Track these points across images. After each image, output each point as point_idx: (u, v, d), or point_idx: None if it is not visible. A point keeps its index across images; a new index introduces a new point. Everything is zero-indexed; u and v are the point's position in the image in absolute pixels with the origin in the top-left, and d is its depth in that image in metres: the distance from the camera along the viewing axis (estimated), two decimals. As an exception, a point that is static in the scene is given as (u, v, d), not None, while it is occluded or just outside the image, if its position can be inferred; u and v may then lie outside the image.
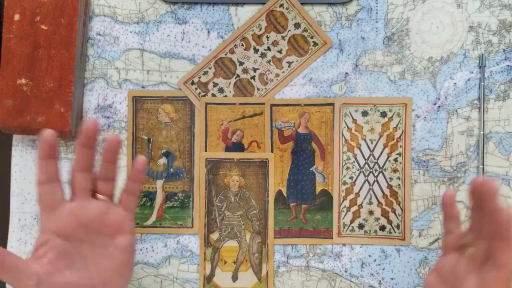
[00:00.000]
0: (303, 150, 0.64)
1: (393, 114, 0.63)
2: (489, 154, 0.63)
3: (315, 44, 0.64)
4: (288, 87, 0.64)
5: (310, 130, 0.64)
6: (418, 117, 0.63)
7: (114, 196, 0.55)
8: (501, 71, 0.63)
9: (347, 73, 0.64)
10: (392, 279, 0.63)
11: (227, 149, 0.64)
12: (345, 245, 0.63)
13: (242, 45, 0.64)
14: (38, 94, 0.60)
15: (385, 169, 0.63)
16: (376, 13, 0.64)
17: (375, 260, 0.63)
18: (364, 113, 0.63)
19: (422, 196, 0.63)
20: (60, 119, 0.60)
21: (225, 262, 0.63)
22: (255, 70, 0.64)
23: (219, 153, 0.64)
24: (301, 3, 0.64)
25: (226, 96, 0.64)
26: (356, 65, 0.64)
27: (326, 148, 0.64)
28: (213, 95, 0.64)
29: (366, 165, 0.63)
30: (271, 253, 0.63)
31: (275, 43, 0.64)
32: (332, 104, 0.64)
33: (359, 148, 0.63)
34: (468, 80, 0.63)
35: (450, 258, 0.50)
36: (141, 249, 0.64)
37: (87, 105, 0.64)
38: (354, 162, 0.63)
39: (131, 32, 0.64)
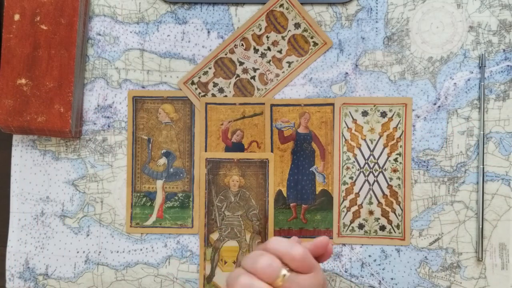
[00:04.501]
0: (303, 150, 0.64)
1: (393, 114, 0.63)
2: (489, 154, 0.63)
3: (315, 44, 0.64)
4: (288, 87, 0.64)
5: (310, 130, 0.64)
6: (418, 117, 0.63)
7: None
8: (501, 71, 0.63)
9: (347, 73, 0.64)
10: (392, 279, 0.63)
11: (227, 149, 0.64)
12: (345, 245, 0.63)
13: (242, 45, 0.64)
14: (38, 94, 0.60)
15: (385, 169, 0.63)
16: (376, 13, 0.64)
17: (375, 260, 0.63)
18: (364, 113, 0.63)
19: (422, 196, 0.63)
20: (60, 119, 0.60)
21: (225, 262, 0.63)
22: (255, 70, 0.64)
23: (219, 153, 0.64)
24: (301, 3, 0.64)
25: (226, 96, 0.64)
26: (356, 65, 0.64)
27: (326, 148, 0.64)
28: (213, 95, 0.64)
29: (366, 165, 0.63)
30: (271, 253, 0.63)
31: (275, 43, 0.64)
32: (332, 104, 0.64)
33: (359, 148, 0.63)
34: (468, 80, 0.63)
35: None
36: (141, 249, 0.64)
37: (87, 105, 0.64)
38: (354, 162, 0.63)
39: (131, 32, 0.64)
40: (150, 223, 0.64)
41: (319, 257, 0.48)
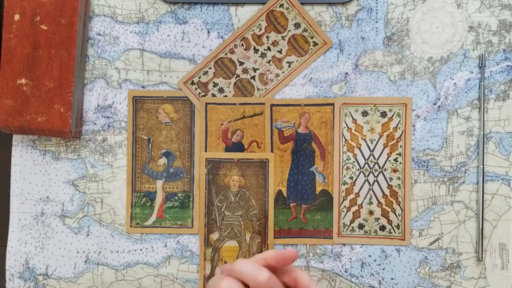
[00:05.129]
0: (303, 150, 0.64)
1: (393, 114, 0.63)
2: (489, 154, 0.63)
3: (315, 44, 0.64)
4: (288, 87, 0.64)
5: (310, 130, 0.64)
6: (418, 117, 0.63)
7: None
8: (501, 71, 0.63)
9: (347, 73, 0.64)
10: (392, 279, 0.63)
11: (227, 149, 0.64)
12: (345, 245, 0.63)
13: (242, 45, 0.64)
14: (38, 94, 0.60)
15: (385, 169, 0.63)
16: (376, 13, 0.64)
17: (375, 260, 0.63)
18: (364, 113, 0.63)
19: (422, 196, 0.63)
20: (60, 119, 0.60)
21: (225, 262, 0.63)
22: (255, 70, 0.64)
23: (219, 153, 0.64)
24: (301, 3, 0.64)
25: (226, 96, 0.64)
26: (356, 65, 0.64)
27: (326, 148, 0.64)
28: (213, 95, 0.64)
29: (366, 165, 0.63)
30: (271, 253, 0.63)
31: (275, 43, 0.64)
32: (332, 104, 0.64)
33: (359, 148, 0.63)
34: (468, 80, 0.63)
35: None
36: (141, 249, 0.64)
37: (87, 105, 0.64)
38: (354, 162, 0.63)
39: (131, 32, 0.64)
40: (150, 223, 0.64)
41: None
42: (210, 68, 0.64)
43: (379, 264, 0.63)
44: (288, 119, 0.64)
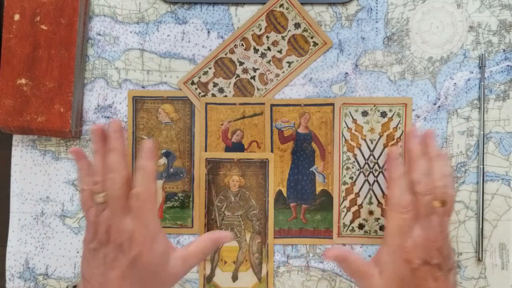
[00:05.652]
0: (303, 150, 0.64)
1: (393, 114, 0.63)
2: (489, 154, 0.63)
3: (315, 44, 0.64)
4: (288, 87, 0.64)
5: (310, 130, 0.64)
6: (418, 117, 0.63)
7: None
8: (501, 71, 0.63)
9: (347, 73, 0.64)
10: (392, 279, 0.63)
11: (227, 149, 0.64)
12: (345, 245, 0.63)
13: (242, 45, 0.64)
14: (38, 94, 0.60)
15: (385, 169, 0.63)
16: (376, 13, 0.64)
17: (375, 260, 0.63)
18: (364, 113, 0.64)
19: (422, 196, 0.63)
20: (60, 119, 0.60)
21: (225, 262, 0.64)
22: (255, 70, 0.64)
23: (219, 153, 0.64)
24: (301, 3, 0.64)
25: (226, 96, 0.64)
26: (356, 65, 0.64)
27: (326, 148, 0.64)
28: (213, 95, 0.64)
29: (366, 165, 0.63)
30: (271, 253, 0.63)
31: (275, 43, 0.64)
32: (332, 104, 0.64)
33: (359, 148, 0.63)
34: (468, 80, 0.63)
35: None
36: (141, 249, 0.64)
37: (87, 105, 0.64)
38: (354, 162, 0.63)
39: (131, 32, 0.64)
40: (150, 223, 0.64)
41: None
42: (210, 68, 0.64)
43: (379, 264, 0.63)
44: (288, 119, 0.64)
